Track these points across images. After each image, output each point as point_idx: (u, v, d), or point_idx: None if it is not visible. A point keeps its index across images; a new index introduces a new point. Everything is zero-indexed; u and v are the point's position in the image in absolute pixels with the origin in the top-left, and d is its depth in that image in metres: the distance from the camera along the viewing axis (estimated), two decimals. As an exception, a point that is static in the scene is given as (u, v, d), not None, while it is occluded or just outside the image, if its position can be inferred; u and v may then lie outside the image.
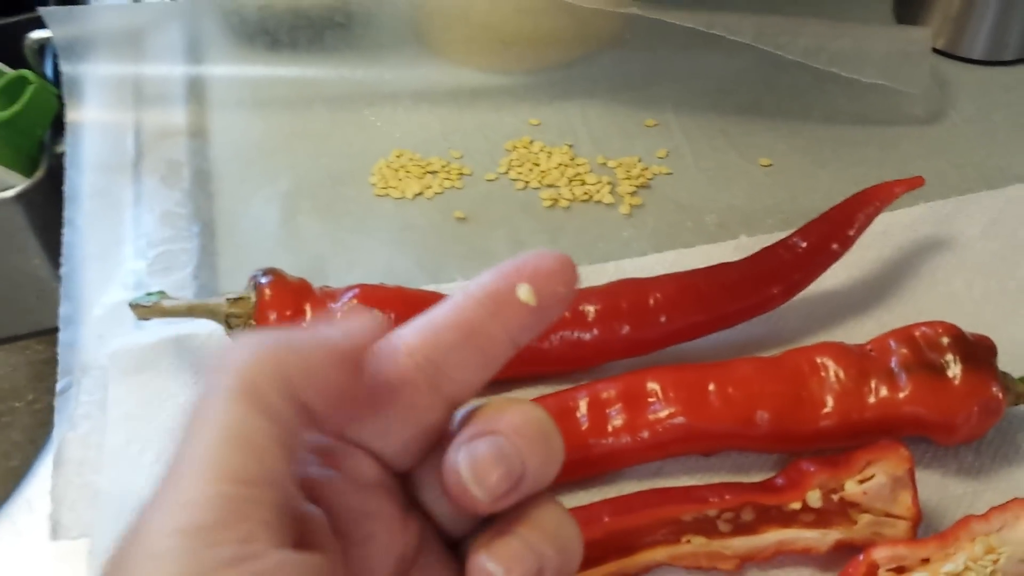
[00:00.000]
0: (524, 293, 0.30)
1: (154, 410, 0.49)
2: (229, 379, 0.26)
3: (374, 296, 0.48)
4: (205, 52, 0.67)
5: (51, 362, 0.53)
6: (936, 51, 0.67)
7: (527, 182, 0.60)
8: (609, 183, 0.60)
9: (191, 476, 0.25)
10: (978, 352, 0.45)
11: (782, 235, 0.52)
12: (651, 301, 0.49)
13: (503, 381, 0.49)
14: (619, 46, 0.66)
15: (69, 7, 0.64)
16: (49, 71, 0.69)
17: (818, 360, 0.46)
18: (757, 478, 0.46)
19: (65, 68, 0.64)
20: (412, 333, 0.29)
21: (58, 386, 0.51)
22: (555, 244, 0.56)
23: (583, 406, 0.46)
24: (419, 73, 0.66)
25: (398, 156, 0.61)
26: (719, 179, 0.60)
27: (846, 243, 0.50)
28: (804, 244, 0.50)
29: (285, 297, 0.47)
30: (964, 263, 0.54)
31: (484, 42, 0.65)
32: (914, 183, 0.51)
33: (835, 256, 0.50)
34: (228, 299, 0.47)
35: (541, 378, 0.50)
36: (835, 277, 0.52)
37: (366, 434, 0.29)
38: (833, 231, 0.50)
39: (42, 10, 0.63)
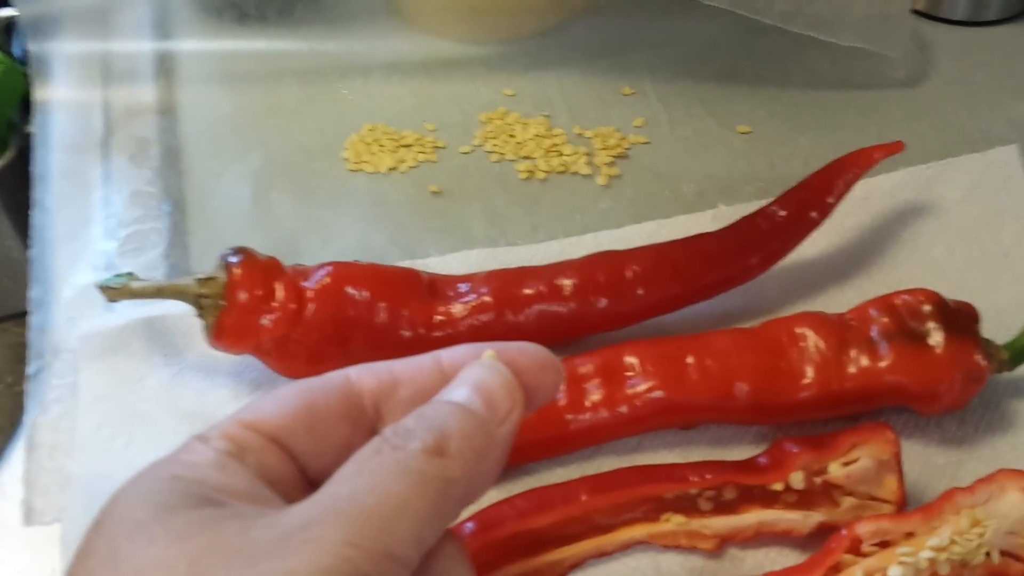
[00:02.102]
0: (488, 355, 0.31)
1: (125, 393, 0.48)
2: None
3: (347, 274, 0.47)
4: (173, 27, 0.65)
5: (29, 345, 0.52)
6: (917, 12, 0.66)
7: (503, 154, 0.59)
8: (586, 154, 0.59)
9: None
10: (960, 319, 0.45)
11: (761, 203, 0.52)
12: (628, 274, 0.48)
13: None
14: (594, 13, 0.65)
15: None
16: (17, 50, 0.67)
17: (797, 330, 0.45)
18: (737, 451, 0.45)
19: (32, 46, 0.63)
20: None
21: (29, 370, 0.50)
22: (532, 217, 0.56)
23: (560, 382, 0.45)
24: (391, 45, 0.65)
25: (371, 130, 0.60)
26: (697, 147, 0.59)
27: (825, 211, 0.50)
28: (783, 213, 0.49)
29: (255, 276, 0.46)
30: (946, 229, 0.53)
31: (456, 12, 0.64)
32: (893, 148, 0.51)
33: (814, 224, 0.49)
34: (197, 279, 0.46)
35: (518, 354, 0.49)
36: (815, 245, 0.52)
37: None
38: (812, 199, 0.50)
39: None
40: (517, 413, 0.31)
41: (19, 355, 0.68)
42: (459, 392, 0.31)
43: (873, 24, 0.60)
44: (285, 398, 0.31)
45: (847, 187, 0.50)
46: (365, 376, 0.32)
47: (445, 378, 0.32)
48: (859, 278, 0.52)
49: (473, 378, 0.31)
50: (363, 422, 0.32)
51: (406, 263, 0.52)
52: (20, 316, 0.70)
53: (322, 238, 0.55)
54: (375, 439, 0.29)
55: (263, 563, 0.26)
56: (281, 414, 0.31)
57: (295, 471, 0.31)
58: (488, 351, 0.31)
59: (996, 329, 0.48)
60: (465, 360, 0.32)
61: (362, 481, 0.28)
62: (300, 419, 0.31)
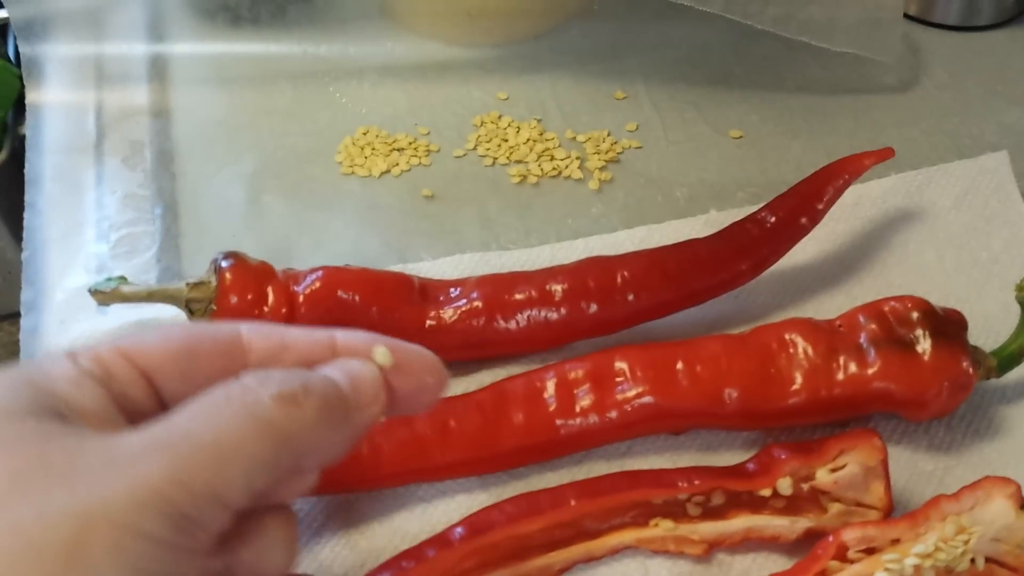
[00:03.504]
0: (380, 355, 0.32)
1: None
2: None
3: (338, 278, 0.47)
4: (166, 30, 0.65)
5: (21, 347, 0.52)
6: (908, 17, 0.66)
7: (495, 158, 0.59)
8: (578, 158, 0.59)
9: None
10: (948, 326, 0.45)
11: (753, 209, 0.52)
12: (619, 279, 0.48)
13: (470, 362, 0.49)
14: (587, 17, 0.65)
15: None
16: (10, 52, 0.67)
17: (786, 337, 0.45)
18: (726, 457, 0.46)
19: (24, 49, 0.63)
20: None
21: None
22: (524, 221, 0.56)
23: (551, 387, 0.45)
24: (384, 47, 0.65)
25: (364, 133, 0.61)
26: (689, 152, 0.59)
27: (815, 217, 0.50)
28: (773, 219, 0.49)
29: (247, 281, 0.46)
30: (936, 235, 0.53)
31: (450, 15, 0.64)
32: (884, 155, 0.51)
33: (804, 230, 0.50)
34: (189, 284, 0.46)
35: (509, 358, 0.49)
36: (805, 251, 0.52)
37: None
38: (802, 205, 0.50)
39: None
40: (376, 408, 0.32)
41: (14, 354, 0.68)
42: (331, 370, 0.31)
43: (865, 29, 0.60)
44: (170, 337, 0.32)
45: (837, 193, 0.50)
46: (256, 336, 0.32)
47: (334, 356, 0.32)
48: (849, 283, 0.52)
49: (349, 365, 0.32)
50: (232, 363, 0.32)
51: (398, 267, 0.52)
52: (15, 316, 0.70)
53: (314, 241, 0.55)
54: (231, 380, 0.29)
55: (83, 486, 0.25)
56: (160, 351, 0.31)
57: (158, 409, 0.31)
58: (381, 347, 0.32)
59: (985, 336, 0.48)
60: (358, 346, 0.33)
61: (203, 417, 0.28)
62: (178, 361, 0.31)
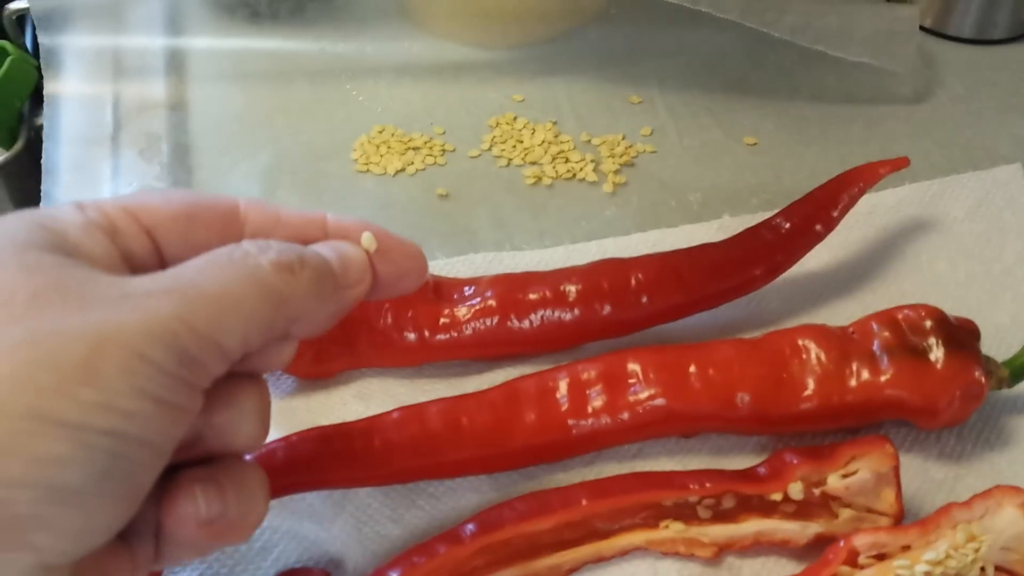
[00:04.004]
0: (367, 239, 0.35)
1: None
2: None
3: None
4: (185, 24, 0.66)
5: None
6: (924, 29, 0.66)
7: (510, 159, 0.59)
8: (593, 161, 0.59)
9: None
10: (961, 336, 0.45)
11: (766, 215, 0.52)
12: (632, 281, 0.48)
13: (483, 361, 0.49)
14: (604, 21, 0.66)
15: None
16: (28, 42, 0.68)
17: (799, 342, 0.45)
18: (737, 461, 0.46)
19: (43, 39, 0.63)
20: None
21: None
22: (538, 223, 0.56)
23: (563, 387, 0.46)
24: (402, 47, 0.65)
25: (380, 131, 0.61)
26: (703, 157, 0.60)
27: (829, 224, 0.50)
28: (787, 225, 0.49)
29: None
30: (948, 245, 0.54)
31: (468, 16, 0.64)
32: (899, 164, 0.51)
33: (818, 237, 0.50)
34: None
35: (521, 358, 0.49)
36: (818, 258, 0.52)
37: None
38: (817, 212, 0.50)
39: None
40: (362, 288, 0.35)
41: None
42: (323, 248, 0.34)
43: (881, 40, 0.60)
44: (173, 198, 0.33)
45: (852, 201, 0.50)
46: (253, 209, 0.34)
47: (324, 236, 0.35)
48: (862, 292, 0.52)
49: (339, 246, 0.34)
50: (229, 232, 0.34)
51: (412, 265, 0.52)
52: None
53: (328, 240, 0.55)
54: (232, 244, 0.31)
55: (96, 311, 0.27)
56: (163, 210, 0.33)
57: (158, 267, 0.32)
58: (367, 232, 0.35)
59: (997, 346, 0.48)
60: (347, 229, 0.35)
61: (209, 272, 0.30)
62: (178, 221, 0.33)
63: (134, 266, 0.32)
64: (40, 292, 0.27)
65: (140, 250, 0.32)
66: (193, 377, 0.29)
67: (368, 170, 0.59)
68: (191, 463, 0.31)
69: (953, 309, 0.46)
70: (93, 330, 0.27)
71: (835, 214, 0.50)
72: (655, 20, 0.62)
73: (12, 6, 0.66)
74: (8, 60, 0.64)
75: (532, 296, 0.48)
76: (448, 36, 0.66)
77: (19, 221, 0.30)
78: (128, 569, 0.30)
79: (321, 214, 0.35)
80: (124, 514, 0.28)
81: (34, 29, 0.64)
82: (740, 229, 0.51)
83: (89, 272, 0.29)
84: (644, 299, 0.48)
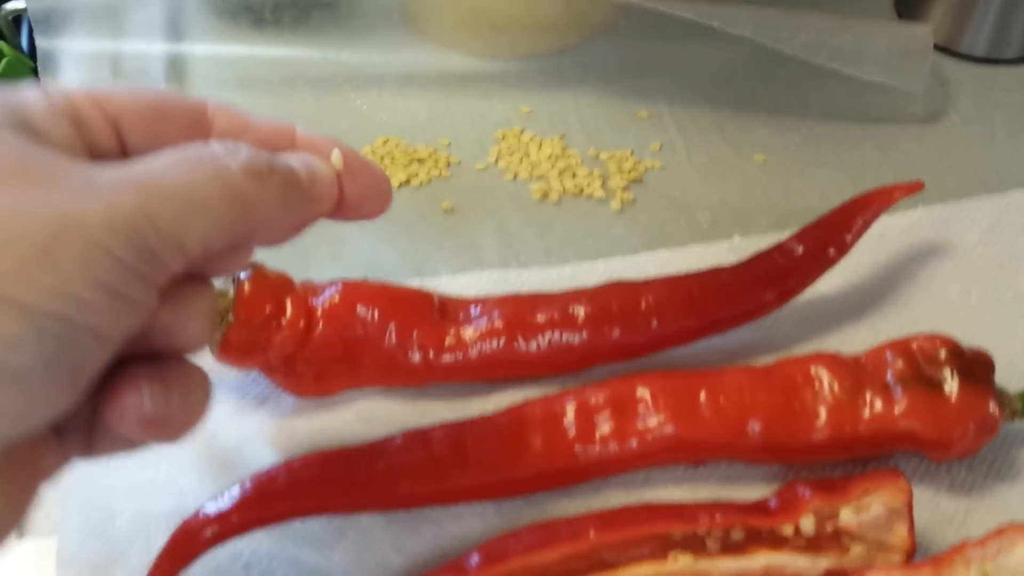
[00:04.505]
0: (335, 157, 0.35)
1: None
2: None
3: (357, 292, 0.47)
4: (186, 29, 0.64)
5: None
6: (937, 48, 0.65)
7: (516, 173, 0.58)
8: (600, 176, 0.58)
9: None
10: (976, 367, 0.44)
11: (776, 236, 0.51)
12: (642, 304, 0.47)
13: (491, 384, 0.48)
14: (614, 34, 0.65)
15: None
16: (24, 43, 0.66)
17: (812, 370, 0.45)
18: (746, 490, 0.45)
19: (40, 42, 0.62)
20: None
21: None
22: (544, 239, 0.55)
23: (570, 412, 0.45)
24: (407, 56, 0.64)
25: (384, 143, 0.60)
26: (712, 175, 0.59)
27: (843, 248, 0.49)
28: (800, 249, 0.49)
29: (265, 292, 0.45)
30: (961, 270, 0.53)
31: (475, 26, 0.63)
32: (913, 188, 0.50)
33: (831, 262, 0.49)
34: (206, 293, 0.45)
35: (528, 380, 0.48)
36: (830, 282, 0.51)
37: None
38: (830, 236, 0.49)
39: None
40: (328, 204, 0.35)
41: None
42: (292, 159, 0.33)
43: (895, 59, 0.59)
44: (140, 92, 0.33)
45: (866, 226, 0.49)
46: (221, 112, 0.34)
47: (291, 148, 0.35)
48: (873, 317, 0.51)
49: (308, 159, 0.34)
50: (196, 131, 0.34)
51: (416, 282, 0.51)
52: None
53: (332, 253, 0.54)
54: (202, 143, 0.31)
55: (59, 196, 0.27)
56: (130, 103, 0.32)
57: (120, 159, 0.31)
58: (337, 150, 0.35)
59: (1009, 375, 0.47)
60: (318, 145, 0.35)
61: (176, 169, 0.29)
62: (144, 116, 0.33)
63: (97, 156, 0.31)
64: (2, 170, 0.27)
65: (104, 141, 0.32)
66: (151, 273, 0.28)
67: (371, 182, 0.58)
68: (133, 359, 0.31)
69: (965, 336, 0.45)
70: (55, 215, 0.26)
71: (848, 238, 0.49)
72: (665, 34, 0.61)
73: (8, 6, 0.64)
74: (3, 62, 0.63)
75: (540, 318, 0.47)
76: (454, 46, 0.65)
77: None
78: (56, 459, 0.31)
79: (291, 126, 0.35)
80: (65, 401, 0.28)
81: (31, 30, 0.63)
82: (750, 250, 0.50)
83: (54, 156, 0.29)
84: (654, 323, 0.47)
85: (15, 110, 0.30)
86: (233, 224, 0.31)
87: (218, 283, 0.46)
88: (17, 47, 0.66)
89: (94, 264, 0.27)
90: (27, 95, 0.31)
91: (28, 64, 0.65)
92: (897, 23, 0.64)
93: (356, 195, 0.35)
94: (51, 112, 0.30)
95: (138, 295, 0.28)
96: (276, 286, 0.46)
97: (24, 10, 0.63)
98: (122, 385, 0.30)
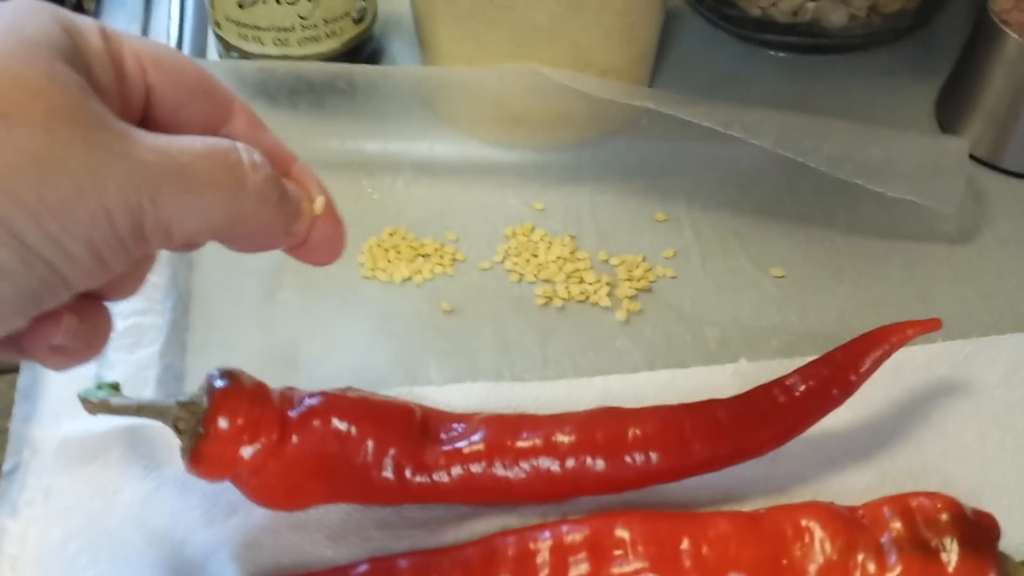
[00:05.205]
0: (319, 204, 0.38)
1: (97, 505, 0.46)
2: None
3: (335, 406, 0.45)
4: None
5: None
6: (975, 159, 0.62)
7: (522, 275, 0.57)
8: (608, 284, 0.56)
9: None
10: (979, 534, 0.41)
11: (785, 361, 0.49)
12: (629, 436, 0.45)
13: (468, 508, 0.46)
14: (634, 131, 0.63)
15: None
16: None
17: (803, 523, 0.42)
18: (724, 648, 0.42)
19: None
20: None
21: (5, 466, 0.48)
22: (543, 349, 0.53)
23: (544, 550, 0.43)
24: (423, 144, 0.63)
25: (391, 234, 0.58)
26: (726, 288, 0.56)
27: (848, 389, 0.46)
28: (803, 387, 0.46)
29: (239, 404, 0.43)
30: (979, 413, 0.50)
31: (493, 118, 0.62)
32: (930, 326, 0.47)
33: (835, 403, 0.46)
34: (179, 402, 0.44)
35: (508, 506, 0.46)
36: (838, 416, 0.48)
37: None
38: (836, 375, 0.46)
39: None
40: (295, 241, 0.38)
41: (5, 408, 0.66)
42: (290, 187, 0.36)
43: (926, 176, 0.56)
44: (185, 70, 0.35)
45: (876, 365, 0.46)
46: (242, 110, 0.37)
47: (285, 175, 0.37)
48: (880, 458, 0.48)
49: (299, 193, 0.37)
50: (216, 121, 0.36)
51: (405, 390, 0.50)
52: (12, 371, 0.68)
53: (324, 348, 0.53)
54: (230, 144, 0.33)
55: (95, 153, 0.28)
56: (172, 75, 0.34)
57: (137, 115, 0.34)
58: (322, 197, 0.38)
59: (1017, 532, 0.44)
60: (308, 184, 0.38)
61: (200, 164, 0.31)
62: (180, 91, 0.34)
63: (122, 111, 0.32)
64: (58, 112, 0.28)
65: (132, 103, 0.33)
66: (134, 249, 0.30)
67: (374, 276, 0.57)
68: None
69: (977, 486, 0.43)
70: (86, 171, 0.28)
71: (855, 379, 0.46)
72: (688, 133, 0.58)
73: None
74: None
75: (522, 444, 0.45)
76: (472, 134, 0.63)
77: (46, 15, 0.30)
78: None
79: (292, 153, 0.38)
80: (13, 327, 0.30)
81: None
82: (754, 376, 0.48)
83: (103, 111, 0.29)
84: (640, 458, 0.45)
85: (77, 43, 0.30)
86: (220, 229, 0.33)
87: (192, 392, 0.45)
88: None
89: (96, 228, 0.29)
90: (88, 32, 0.31)
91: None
92: (929, 137, 0.61)
93: (316, 242, 0.38)
94: (106, 61, 0.31)
95: (115, 264, 0.30)
96: (251, 397, 0.44)
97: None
98: (45, 315, 0.31)
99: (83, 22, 0.31)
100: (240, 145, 0.33)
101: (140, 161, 0.29)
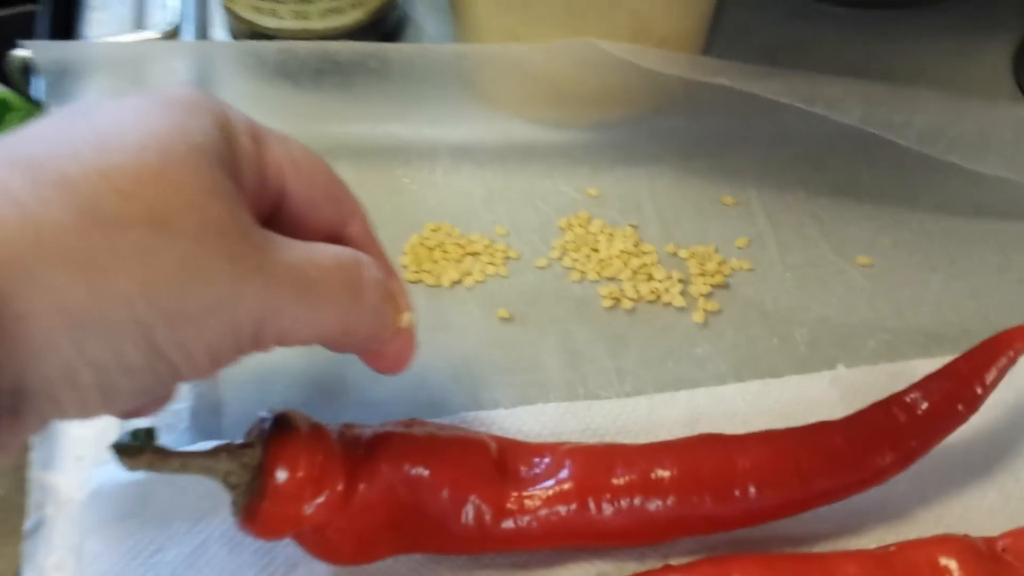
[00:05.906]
0: (407, 319, 0.37)
1: (136, 569, 0.41)
2: None
3: (404, 448, 0.40)
4: (216, 90, 0.57)
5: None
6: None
7: (584, 272, 0.51)
8: (680, 280, 0.51)
9: None
10: None
11: (888, 366, 0.44)
12: (738, 468, 0.40)
13: (556, 551, 0.41)
14: (692, 104, 0.57)
15: (60, 42, 0.55)
16: (34, 91, 0.60)
17: (940, 561, 0.38)
18: None
19: (51, 99, 0.55)
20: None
21: (27, 524, 0.43)
22: (616, 360, 0.48)
23: (652, 604, 0.38)
24: (462, 125, 0.57)
25: (434, 230, 0.53)
26: (810, 281, 0.51)
27: (974, 404, 0.42)
28: (925, 404, 0.41)
29: (298, 455, 0.38)
30: (1107, 418, 0.45)
31: (540, 94, 0.56)
32: (1057, 327, 0.43)
33: (960, 419, 0.42)
34: (228, 451, 0.38)
35: (602, 550, 0.42)
36: (951, 428, 0.44)
37: None
38: (959, 388, 0.41)
39: (29, 44, 0.54)
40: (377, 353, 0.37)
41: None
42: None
43: (1023, 149, 0.51)
44: (317, 179, 0.35)
45: (1001, 375, 0.42)
46: (360, 216, 0.38)
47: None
48: (1002, 474, 0.44)
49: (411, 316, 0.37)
50: (338, 223, 0.36)
51: (471, 415, 0.45)
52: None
53: (373, 375, 0.48)
54: (358, 261, 0.33)
55: (239, 269, 0.29)
56: (305, 186, 0.34)
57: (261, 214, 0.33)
58: (410, 314, 0.37)
59: None
60: (399, 297, 0.37)
61: (327, 284, 0.32)
62: (311, 197, 0.35)
63: (258, 212, 0.32)
64: (211, 223, 0.28)
65: (269, 203, 0.33)
66: (248, 353, 0.31)
67: (420, 280, 0.51)
68: None
69: None
70: (227, 287, 0.28)
71: (980, 391, 0.42)
72: (751, 105, 0.53)
73: (18, 52, 0.57)
74: (13, 116, 0.57)
75: (616, 481, 0.40)
76: (517, 113, 0.57)
77: (208, 116, 0.30)
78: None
79: (392, 268, 0.38)
80: (116, 413, 0.32)
81: (42, 81, 0.56)
82: (856, 385, 0.44)
83: (248, 221, 0.30)
84: (752, 492, 0.40)
85: (231, 145, 0.31)
86: (329, 338, 0.34)
87: (240, 408, 0.40)
88: (27, 97, 0.60)
89: (222, 335, 0.29)
90: (239, 129, 0.32)
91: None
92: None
93: (391, 353, 0.37)
94: (254, 167, 0.32)
95: (226, 365, 0.31)
96: (311, 442, 0.39)
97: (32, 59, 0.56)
98: None
99: (237, 122, 0.32)
100: (363, 259, 0.34)
101: (274, 276, 0.30)
